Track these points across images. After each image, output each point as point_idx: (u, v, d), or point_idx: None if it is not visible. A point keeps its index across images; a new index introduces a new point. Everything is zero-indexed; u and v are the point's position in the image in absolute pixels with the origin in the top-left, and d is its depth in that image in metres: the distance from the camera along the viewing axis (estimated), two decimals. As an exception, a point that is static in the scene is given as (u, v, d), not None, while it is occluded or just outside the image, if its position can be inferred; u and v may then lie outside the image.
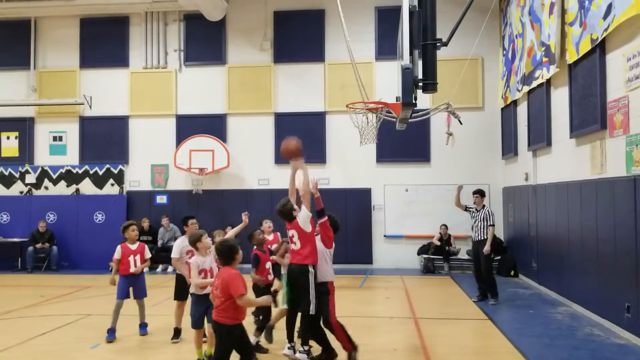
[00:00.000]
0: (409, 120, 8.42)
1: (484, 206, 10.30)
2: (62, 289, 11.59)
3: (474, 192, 10.47)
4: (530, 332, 7.89)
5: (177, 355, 6.98)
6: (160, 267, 14.53)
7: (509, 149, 13.62)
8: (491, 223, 10.10)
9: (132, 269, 7.68)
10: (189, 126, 15.38)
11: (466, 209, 10.47)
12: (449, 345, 7.38)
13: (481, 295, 10.26)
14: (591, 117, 8.52)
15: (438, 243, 14.11)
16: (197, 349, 6.49)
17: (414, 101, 6.50)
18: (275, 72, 15.43)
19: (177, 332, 7.58)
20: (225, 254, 5.12)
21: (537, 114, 11.35)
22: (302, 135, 15.18)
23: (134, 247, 7.81)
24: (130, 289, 7.74)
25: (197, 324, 6.44)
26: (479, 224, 10.17)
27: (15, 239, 15.14)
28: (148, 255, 7.98)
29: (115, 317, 7.58)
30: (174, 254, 7.38)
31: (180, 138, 15.26)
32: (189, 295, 6.82)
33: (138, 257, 7.77)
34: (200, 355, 6.48)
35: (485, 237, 10.07)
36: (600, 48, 8.16)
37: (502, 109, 14.40)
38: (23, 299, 10.68)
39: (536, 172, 11.66)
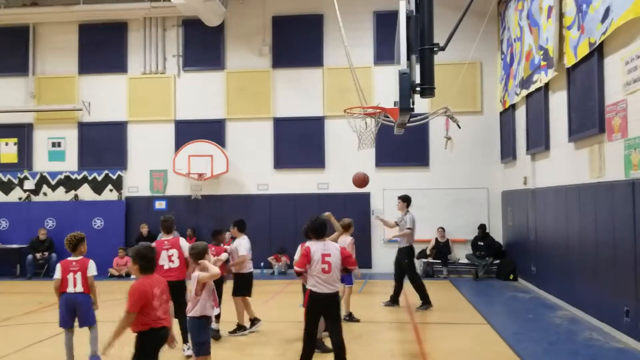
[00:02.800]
0: (408, 124, 8.42)
1: (407, 212, 10.18)
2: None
3: (398, 197, 10.43)
4: (529, 337, 7.86)
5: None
6: (159, 273, 14.52)
7: (508, 153, 13.61)
8: (409, 226, 9.95)
9: (70, 289, 6.46)
10: (188, 131, 15.38)
11: (396, 223, 10.36)
12: (447, 350, 7.36)
13: (391, 301, 10.21)
14: (589, 121, 8.51)
15: (428, 253, 14.12)
16: None
17: (411, 106, 6.48)
18: (274, 77, 15.45)
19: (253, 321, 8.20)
20: None
21: (536, 118, 11.35)
22: (300, 140, 15.48)
23: (77, 258, 6.57)
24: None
25: (208, 350, 5.49)
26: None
27: (14, 245, 15.11)
28: (92, 272, 6.58)
29: (69, 352, 6.55)
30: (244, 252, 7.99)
31: (179, 143, 15.25)
32: (196, 318, 5.50)
33: (79, 275, 6.49)
34: None
35: (406, 244, 9.99)
36: (598, 52, 8.17)
37: (500, 113, 14.40)
38: (21, 305, 10.64)
39: (535, 176, 11.65)
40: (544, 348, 7.28)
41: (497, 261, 13.64)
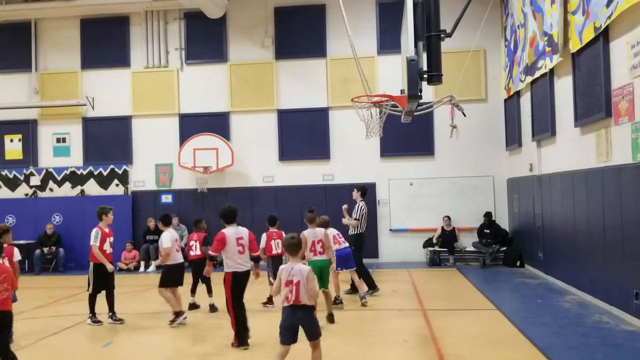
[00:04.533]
0: (414, 113, 8.44)
1: (361, 201, 10.35)
2: (70, 290, 11.63)
3: (355, 188, 10.65)
4: (539, 321, 7.91)
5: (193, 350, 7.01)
6: (167, 266, 14.60)
7: (513, 140, 13.62)
8: (356, 217, 10.12)
9: None
10: (192, 125, 15.40)
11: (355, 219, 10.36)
12: (458, 335, 7.41)
13: (351, 288, 10.22)
14: (596, 105, 8.52)
15: (434, 241, 14.18)
16: None
17: (419, 93, 6.50)
18: (277, 68, 15.44)
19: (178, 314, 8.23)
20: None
21: (541, 104, 11.35)
22: (305, 132, 15.50)
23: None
24: None
25: (285, 340, 5.35)
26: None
27: (22, 242, 15.14)
28: (17, 257, 7.50)
29: None
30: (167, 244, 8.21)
31: (184, 137, 15.28)
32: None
33: (6, 261, 7.02)
34: None
35: (356, 232, 10.13)
36: (603, 36, 8.16)
37: (505, 100, 14.40)
38: (32, 300, 10.68)
39: (541, 163, 11.66)
40: (554, 331, 7.33)
41: (504, 248, 13.68)
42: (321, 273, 8.00)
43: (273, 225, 9.32)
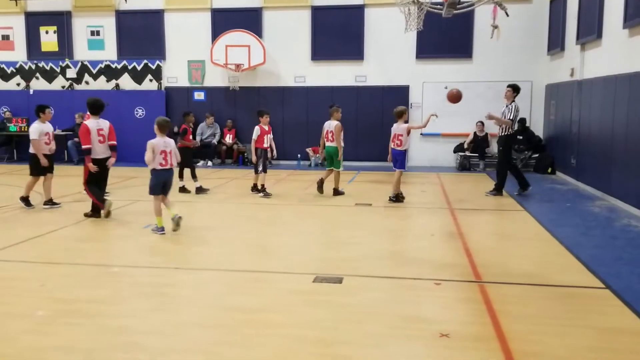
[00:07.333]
0: (455, 12, 8.12)
1: (513, 101, 10.05)
2: (109, 179, 12.03)
3: (508, 86, 10.27)
4: (566, 222, 7.99)
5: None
6: (201, 162, 14.89)
7: (556, 43, 13.08)
8: (510, 117, 9.91)
9: None
10: (225, 20, 15.13)
11: (510, 119, 10.09)
12: (484, 231, 7.58)
13: (522, 188, 10.26)
14: (649, 4, 8.07)
15: (466, 147, 14.10)
16: (157, 217, 7.26)
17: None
18: (313, -38, 14.83)
19: (27, 200, 8.89)
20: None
21: (589, 4, 10.78)
22: (339, 30, 15.14)
23: None
24: None
25: (155, 192, 7.23)
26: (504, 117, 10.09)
27: (60, 132, 15.55)
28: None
29: None
30: (34, 136, 8.69)
31: (216, 33, 15.08)
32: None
33: None
34: (160, 223, 7.23)
35: (507, 132, 10.01)
36: None
37: (550, 1, 13.68)
38: (72, 187, 11.12)
39: (583, 67, 11.27)
40: (581, 232, 7.41)
41: (536, 155, 13.57)
42: (330, 156, 10.00)
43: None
